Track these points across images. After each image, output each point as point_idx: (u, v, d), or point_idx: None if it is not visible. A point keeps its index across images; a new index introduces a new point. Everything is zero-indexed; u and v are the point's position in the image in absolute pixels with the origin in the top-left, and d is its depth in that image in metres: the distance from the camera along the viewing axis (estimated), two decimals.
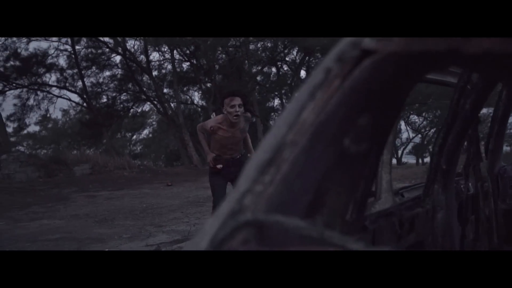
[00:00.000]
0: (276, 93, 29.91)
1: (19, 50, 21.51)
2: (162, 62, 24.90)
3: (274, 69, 28.37)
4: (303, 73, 28.69)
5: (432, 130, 34.17)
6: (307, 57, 26.53)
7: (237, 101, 4.04)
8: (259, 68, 25.44)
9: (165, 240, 5.50)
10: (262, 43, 22.56)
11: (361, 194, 1.04)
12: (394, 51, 0.64)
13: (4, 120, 20.86)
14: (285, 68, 28.66)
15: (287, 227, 0.59)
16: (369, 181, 1.08)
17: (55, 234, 6.02)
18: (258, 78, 27.29)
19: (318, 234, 0.57)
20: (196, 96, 28.93)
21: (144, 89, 24.76)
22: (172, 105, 24.40)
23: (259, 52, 23.75)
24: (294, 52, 26.79)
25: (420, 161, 35.14)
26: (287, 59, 27.22)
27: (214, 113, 25.06)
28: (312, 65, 28.59)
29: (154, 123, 34.56)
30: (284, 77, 28.47)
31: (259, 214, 0.63)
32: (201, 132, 4.49)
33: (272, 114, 33.24)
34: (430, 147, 37.65)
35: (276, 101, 31.83)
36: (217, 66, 23.40)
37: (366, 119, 0.73)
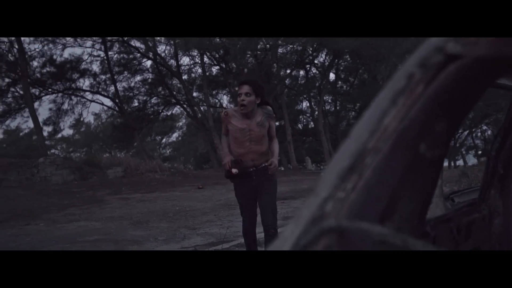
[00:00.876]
0: (305, 96, 29.82)
1: (54, 57, 22.16)
2: (192, 66, 25.21)
3: (302, 72, 28.31)
4: (332, 76, 28.54)
5: (465, 133, 33.42)
6: (336, 60, 26.36)
7: (244, 89, 3.50)
8: (288, 71, 25.43)
9: (200, 242, 5.54)
10: (291, 46, 22.54)
11: (426, 199, 1.03)
12: (480, 56, 0.63)
13: (40, 124, 21.44)
14: (314, 71, 28.57)
15: (370, 234, 0.59)
16: (434, 186, 1.07)
17: (92, 235, 6.15)
18: (287, 81, 27.27)
19: (401, 242, 0.57)
20: (225, 100, 29.16)
21: (174, 93, 25.11)
22: (201, 108, 24.65)
23: (288, 55, 23.73)
24: (323, 55, 26.67)
25: (452, 164, 34.43)
26: (315, 61, 27.12)
27: None
28: (341, 68, 28.41)
29: (183, 126, 35.02)
30: (313, 80, 28.36)
31: (343, 221, 0.63)
32: (224, 130, 3.72)
33: (301, 116, 33.14)
34: (463, 149, 36.76)
35: (305, 104, 31.76)
36: (246, 70, 23.50)
37: (442, 125, 0.72)
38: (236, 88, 3.74)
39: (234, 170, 3.53)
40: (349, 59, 26.96)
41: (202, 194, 11.57)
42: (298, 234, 0.65)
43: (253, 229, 3.67)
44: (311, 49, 24.44)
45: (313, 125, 31.17)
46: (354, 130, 0.67)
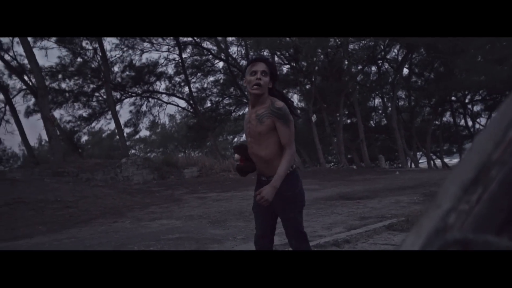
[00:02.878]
0: (377, 92, 29.08)
1: (133, 62, 23.38)
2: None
3: (374, 68, 27.63)
4: (405, 71, 27.60)
5: None
6: (410, 54, 25.45)
7: (261, 66, 2.77)
8: (359, 67, 24.94)
9: (277, 242, 5.60)
10: (362, 42, 22.09)
11: None
12: None
13: (122, 126, 22.69)
14: (386, 66, 27.78)
15: (497, 247, 0.59)
16: None
17: (174, 233, 6.42)
18: (358, 77, 26.75)
19: None
20: (296, 98, 29.16)
21: (245, 93, 25.48)
22: None
23: (359, 52, 23.28)
24: (396, 50, 25.88)
25: None
26: (388, 57, 26.36)
27: (314, 115, 25.07)
28: (415, 62, 27.38)
29: None
30: (385, 76, 27.59)
31: (468, 233, 0.64)
32: None
33: (373, 113, 32.36)
34: None
35: (377, 101, 30.98)
36: (316, 68, 23.35)
37: None
38: (247, 66, 2.84)
39: (236, 156, 2.97)
40: (423, 52, 25.90)
41: None
42: (420, 245, 0.67)
43: (266, 239, 2.97)
44: (383, 44, 23.80)
45: (386, 122, 30.32)
46: (476, 141, 0.66)
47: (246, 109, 31.64)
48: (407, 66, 27.48)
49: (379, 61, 26.57)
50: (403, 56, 25.78)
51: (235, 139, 36.28)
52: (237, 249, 5.12)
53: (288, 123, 2.72)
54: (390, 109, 26.79)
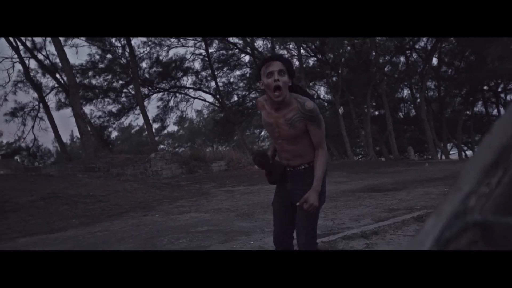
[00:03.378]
0: (406, 83, 28.60)
1: (160, 58, 23.70)
2: (289, 58, 25.43)
3: (402, 58, 27.16)
4: (434, 60, 27.01)
5: None
6: (439, 44, 24.89)
7: (277, 66, 2.50)
8: (387, 58, 24.56)
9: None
10: None
11: None
12: None
13: (150, 121, 23.05)
14: (415, 56, 27.26)
15: None
16: None
17: (203, 226, 6.51)
18: (386, 68, 26.35)
19: None
20: (323, 91, 29.01)
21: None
22: None
23: (386, 42, 22.93)
24: (424, 39, 25.34)
25: None
26: (416, 47, 25.85)
27: (341, 107, 24.87)
28: (445, 51, 26.79)
29: None
30: (414, 66, 27.08)
31: (488, 215, 0.65)
32: None
33: (402, 105, 31.86)
34: None
35: (406, 91, 30.46)
36: (343, 59, 23.13)
37: None
38: (261, 68, 2.56)
39: (257, 158, 2.74)
40: (453, 41, 25.31)
41: None
42: (441, 228, 0.68)
43: (286, 238, 2.81)
44: None
45: (415, 113, 29.81)
46: (496, 125, 0.65)
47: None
48: (436, 56, 26.91)
49: (407, 51, 26.10)
50: (432, 46, 25.25)
51: (262, 133, 36.37)
52: (264, 242, 5.16)
53: (320, 124, 2.58)
54: (419, 100, 26.33)
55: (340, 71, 23.26)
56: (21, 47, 21.27)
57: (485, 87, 28.85)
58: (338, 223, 5.84)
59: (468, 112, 30.50)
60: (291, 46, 23.02)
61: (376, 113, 29.72)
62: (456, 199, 0.70)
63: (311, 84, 27.32)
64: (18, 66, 23.23)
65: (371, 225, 5.44)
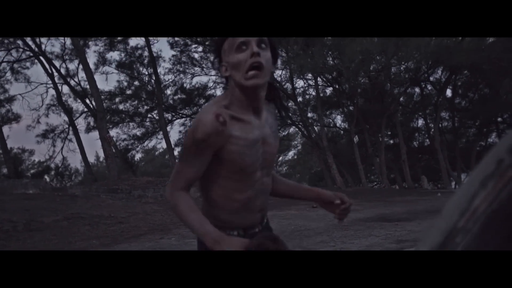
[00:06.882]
0: (420, 113, 29.19)
1: (184, 85, 24.96)
2: (306, 88, 26.32)
3: (417, 90, 27.86)
4: (448, 92, 27.59)
5: None
6: (453, 76, 25.58)
7: (253, 40, 1.44)
8: (402, 89, 25.28)
9: None
10: (404, 65, 22.50)
11: None
12: None
13: (172, 145, 24.08)
14: (429, 88, 27.93)
15: None
16: None
17: None
18: (401, 99, 27.03)
19: None
20: (339, 119, 29.74)
21: (290, 114, 26.34)
22: (315, 128, 25.58)
23: (401, 74, 23.65)
24: (439, 71, 26.03)
25: None
26: (431, 79, 26.55)
27: (356, 136, 25.54)
28: (459, 83, 27.37)
29: (298, 145, 36.38)
30: (429, 97, 27.73)
31: None
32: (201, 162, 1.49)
33: (416, 134, 32.33)
34: None
35: (420, 122, 30.98)
36: (359, 90, 23.90)
37: None
38: (224, 43, 1.51)
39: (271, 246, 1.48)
40: (467, 74, 25.96)
41: (316, 213, 11.37)
42: None
43: None
44: (426, 66, 24.10)
45: (429, 143, 30.28)
46: (444, 209, 0.65)
47: (291, 129, 33.06)
48: (450, 87, 27.51)
49: (422, 83, 26.76)
50: (447, 78, 25.91)
51: (280, 158, 36.98)
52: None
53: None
54: (433, 130, 26.85)
55: (356, 101, 24.04)
56: (55, 74, 22.76)
57: (499, 119, 29.29)
58: None
59: (482, 143, 30.86)
60: (308, 76, 23.89)
61: (391, 141, 30.26)
62: None
63: (327, 112, 28.14)
64: (51, 91, 24.66)
65: None
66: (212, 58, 1.58)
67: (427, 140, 31.31)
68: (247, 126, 1.48)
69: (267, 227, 1.76)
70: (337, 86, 25.00)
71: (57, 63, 23.04)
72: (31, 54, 22.48)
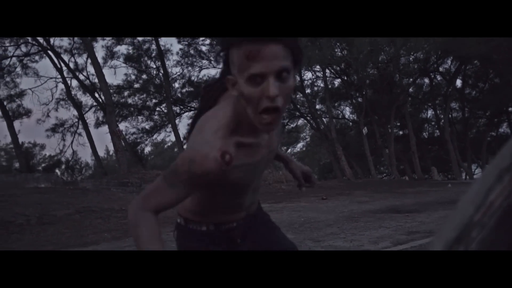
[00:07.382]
0: (429, 104, 29.00)
1: (192, 78, 24.97)
2: (315, 80, 26.24)
3: (427, 80, 27.63)
4: (458, 82, 27.37)
5: None
6: (463, 66, 25.34)
7: (274, 56, 1.06)
8: (411, 80, 25.11)
9: None
10: (413, 55, 22.33)
11: None
12: None
13: (181, 138, 24.15)
14: (439, 78, 27.71)
15: None
16: None
17: None
18: (410, 90, 26.84)
19: None
20: (347, 111, 29.63)
21: (298, 106, 26.30)
22: (324, 120, 25.51)
23: (410, 64, 23.48)
24: (449, 61, 25.81)
25: None
26: (440, 69, 26.33)
27: (365, 127, 25.45)
28: (469, 73, 27.13)
29: (307, 137, 36.33)
30: (438, 87, 27.52)
31: None
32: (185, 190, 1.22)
33: (426, 125, 32.15)
34: None
35: (430, 112, 30.80)
36: (368, 81, 23.77)
37: None
38: (237, 50, 1.10)
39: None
40: (477, 64, 25.71)
41: (326, 205, 11.52)
42: None
43: None
44: (435, 57, 23.88)
45: (439, 134, 30.11)
46: (460, 203, 0.66)
47: (299, 122, 33.01)
48: (460, 78, 27.30)
49: (431, 73, 26.56)
50: (456, 68, 25.69)
51: (289, 150, 37.02)
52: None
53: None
54: (443, 120, 26.69)
55: (364, 92, 23.91)
56: (64, 68, 22.86)
57: (510, 109, 29.02)
58: (356, 245, 5.94)
59: (493, 133, 30.63)
60: (316, 68, 23.80)
61: (401, 132, 30.12)
62: None
63: (336, 104, 28.05)
64: (61, 86, 24.79)
65: (389, 248, 5.54)
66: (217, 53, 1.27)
67: (437, 131, 31.14)
68: (255, 148, 1.29)
69: (260, 214, 1.70)
70: (345, 78, 24.90)
71: (65, 57, 23.17)
72: (40, 48, 22.60)
